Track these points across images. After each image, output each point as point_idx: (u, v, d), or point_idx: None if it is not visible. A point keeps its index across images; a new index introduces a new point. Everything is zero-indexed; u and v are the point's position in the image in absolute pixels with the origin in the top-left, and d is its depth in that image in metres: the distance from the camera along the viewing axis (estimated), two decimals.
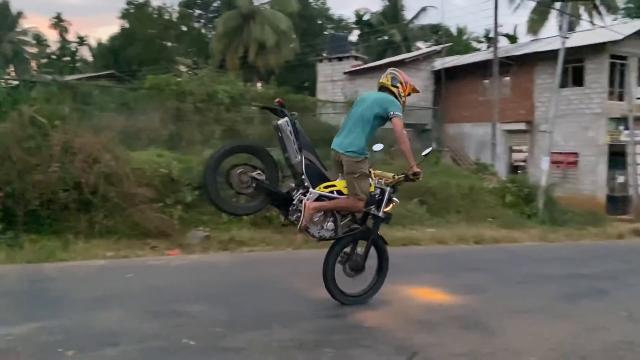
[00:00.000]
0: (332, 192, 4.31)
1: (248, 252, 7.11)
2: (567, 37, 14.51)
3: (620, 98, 19.07)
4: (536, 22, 30.34)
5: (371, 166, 4.52)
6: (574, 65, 19.30)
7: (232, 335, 3.71)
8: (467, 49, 37.48)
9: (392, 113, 4.23)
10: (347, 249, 4.46)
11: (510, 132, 21.43)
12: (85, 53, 45.19)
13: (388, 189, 4.50)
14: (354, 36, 40.55)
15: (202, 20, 41.02)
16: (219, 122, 12.83)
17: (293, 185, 4.37)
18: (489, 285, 5.85)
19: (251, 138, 12.26)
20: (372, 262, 4.58)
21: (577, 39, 18.69)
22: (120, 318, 3.96)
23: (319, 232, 4.31)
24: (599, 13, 29.23)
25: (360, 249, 4.51)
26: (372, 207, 4.45)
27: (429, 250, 8.27)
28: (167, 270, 5.83)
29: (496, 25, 18.40)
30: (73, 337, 3.51)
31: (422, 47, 38.13)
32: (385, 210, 4.48)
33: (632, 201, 17.31)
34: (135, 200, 7.11)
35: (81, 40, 44.71)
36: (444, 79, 23.36)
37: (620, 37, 17.90)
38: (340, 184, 4.35)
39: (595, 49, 18.55)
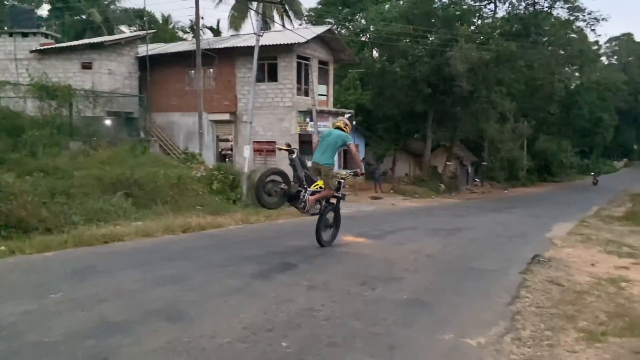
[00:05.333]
0: (317, 188, 7.42)
1: None
2: (260, 35, 15.87)
3: (307, 94, 22.05)
4: (237, 18, 32.39)
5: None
6: (269, 62, 21.33)
7: None
8: (173, 37, 37.32)
9: (349, 143, 7.59)
10: (323, 217, 7.67)
11: (217, 122, 22.35)
12: None
13: (342, 180, 7.75)
14: (44, 11, 35.46)
15: None
16: None
17: (298, 187, 7.37)
18: (192, 274, 5.86)
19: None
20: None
21: (271, 38, 20.72)
22: None
23: (313, 211, 7.50)
24: (289, 17, 33.07)
25: (328, 215, 7.78)
26: (335, 191, 7.60)
27: (133, 244, 7.85)
28: None
29: (197, 17, 18.73)
30: None
31: (127, 31, 36.16)
32: (342, 192, 7.79)
33: None
34: None
35: None
36: (149, 66, 22.67)
37: (303, 40, 20.60)
38: (320, 182, 7.45)
39: (286, 49, 20.91)
